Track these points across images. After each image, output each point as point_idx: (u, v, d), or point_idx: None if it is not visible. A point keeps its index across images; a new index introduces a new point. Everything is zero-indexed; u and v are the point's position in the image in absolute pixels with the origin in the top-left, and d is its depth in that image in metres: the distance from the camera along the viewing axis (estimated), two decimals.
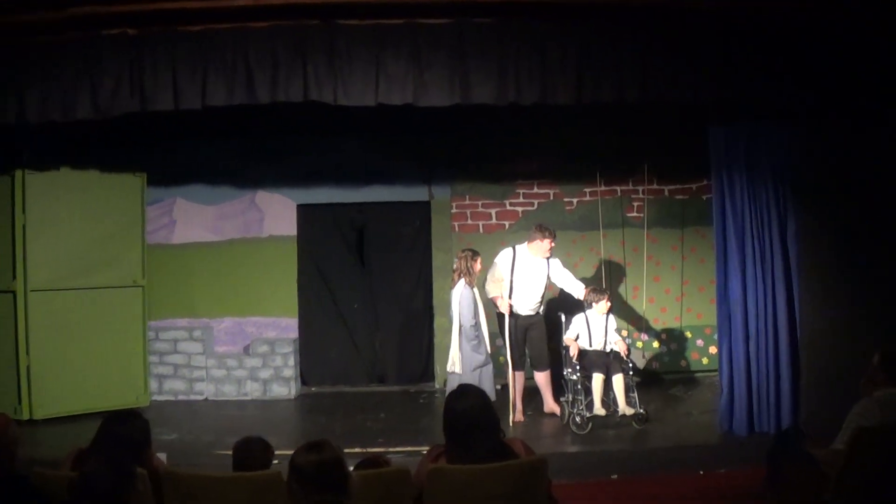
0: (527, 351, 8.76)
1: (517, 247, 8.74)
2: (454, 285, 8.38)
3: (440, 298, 10.39)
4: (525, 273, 8.64)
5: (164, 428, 8.58)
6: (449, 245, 10.57)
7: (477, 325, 8.28)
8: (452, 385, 7.73)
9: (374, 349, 10.79)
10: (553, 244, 8.68)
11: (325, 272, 10.74)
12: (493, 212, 10.73)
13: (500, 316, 8.69)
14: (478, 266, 8.41)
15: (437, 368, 10.47)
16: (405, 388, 10.51)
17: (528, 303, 8.66)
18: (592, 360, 8.51)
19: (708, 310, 10.21)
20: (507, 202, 10.71)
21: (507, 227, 10.68)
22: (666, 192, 10.72)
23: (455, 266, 8.50)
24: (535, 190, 10.73)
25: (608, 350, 8.61)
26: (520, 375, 8.74)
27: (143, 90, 7.10)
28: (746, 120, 7.82)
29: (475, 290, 8.40)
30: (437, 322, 10.52)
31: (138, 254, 9.52)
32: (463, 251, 8.58)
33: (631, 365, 8.48)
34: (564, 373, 8.55)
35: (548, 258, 8.70)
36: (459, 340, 8.22)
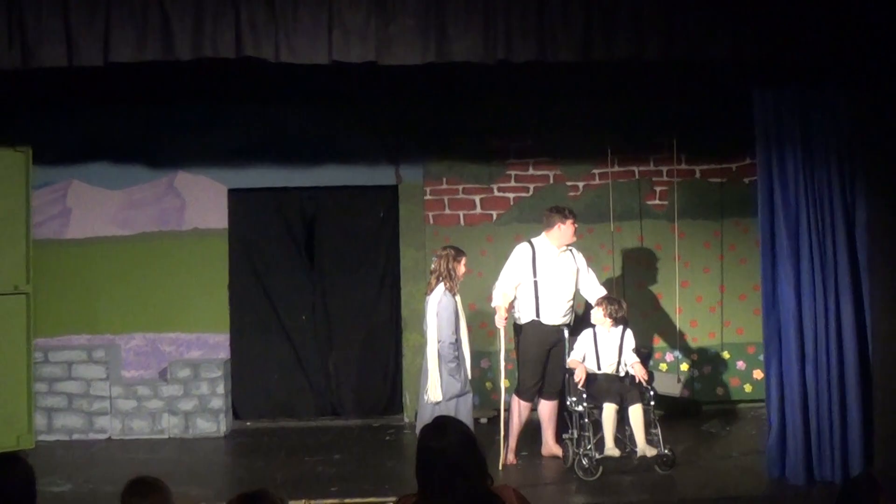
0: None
1: (534, 240, 8.85)
2: (431, 291, 8.42)
3: (411, 308, 10.42)
4: (551, 271, 8.76)
5: (55, 476, 8.52)
6: (421, 240, 10.60)
7: (457, 343, 8.34)
8: (425, 418, 7.79)
9: (326, 373, 10.81)
10: (575, 225, 8.78)
11: (265, 275, 10.78)
12: (477, 199, 10.73)
13: (518, 328, 8.81)
14: (461, 268, 8.46)
15: (407, 397, 10.55)
16: (366, 422, 10.56)
17: (559, 309, 8.79)
18: (603, 387, 8.53)
19: (751, 323, 10.25)
20: (494, 187, 10.73)
21: (494, 218, 10.69)
22: (697, 174, 10.74)
23: (433, 267, 8.53)
24: (531, 171, 10.74)
25: (622, 374, 8.66)
26: (526, 407, 8.86)
27: (25, 41, 7.00)
28: (802, 82, 7.83)
29: (457, 297, 8.44)
30: (407, 338, 10.55)
31: (21, 251, 9.30)
32: (443, 249, 8.61)
33: (652, 393, 8.51)
34: (568, 403, 8.60)
35: (571, 249, 8.85)
36: (438, 362, 8.29)
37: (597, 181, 10.69)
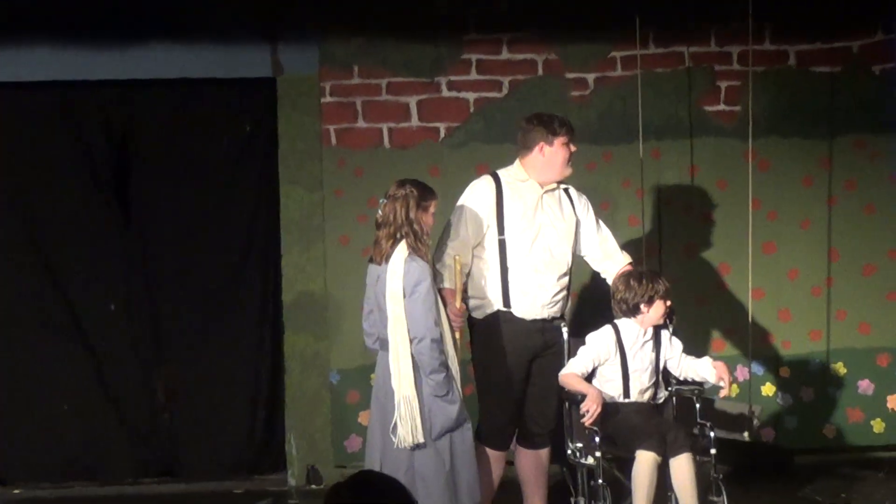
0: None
1: (502, 174, 8.91)
2: (383, 258, 8.45)
3: (299, 292, 10.66)
4: (530, 225, 8.83)
5: None
6: (317, 174, 10.72)
7: (440, 340, 8.37)
8: (399, 475, 7.96)
9: (153, 404, 10.90)
10: (573, 147, 8.76)
11: (45, 236, 10.84)
12: (412, 102, 10.78)
13: (476, 326, 8.93)
14: (430, 218, 8.49)
15: (293, 443, 10.70)
16: (223, 487, 10.73)
17: (544, 290, 8.84)
18: (631, 425, 8.59)
19: (885, 316, 10.63)
20: (443, 81, 10.80)
21: (442, 134, 10.79)
22: (791, 59, 10.84)
23: (381, 217, 8.51)
24: (505, 55, 10.81)
25: (660, 400, 8.80)
26: (496, 460, 8.96)
27: None
28: None
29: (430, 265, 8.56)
30: (293, 343, 10.70)
31: None
32: (399, 186, 8.48)
33: (712, 435, 8.56)
34: (569, 453, 8.75)
35: (565, 188, 8.91)
36: (415, 376, 8.32)
37: (618, 72, 10.79)
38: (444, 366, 8.30)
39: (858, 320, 10.69)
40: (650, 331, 8.66)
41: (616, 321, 8.66)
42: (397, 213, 8.37)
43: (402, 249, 8.29)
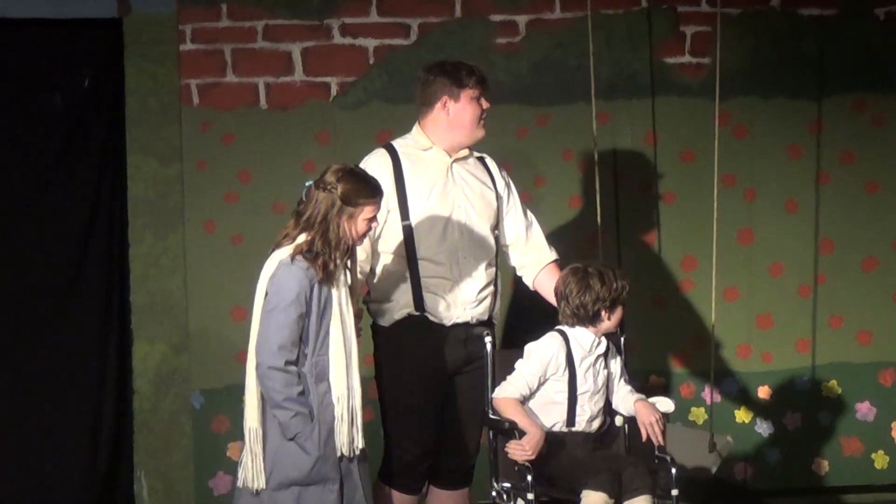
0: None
1: (397, 144, 8.94)
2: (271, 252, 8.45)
3: (150, 290, 10.62)
4: (436, 200, 8.86)
5: None
6: (173, 140, 10.70)
7: (310, 370, 8.14)
8: None
9: None
10: (485, 104, 8.76)
11: None
12: (296, 51, 10.87)
13: (380, 335, 8.94)
14: (359, 225, 8.18)
15: (144, 480, 10.70)
16: None
17: (465, 287, 8.87)
18: (575, 460, 8.47)
19: (889, 321, 10.78)
20: (334, 24, 10.89)
21: (333, 92, 10.89)
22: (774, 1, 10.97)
23: (300, 202, 8.27)
24: None
25: (603, 427, 8.72)
26: None
27: None
28: None
29: (340, 279, 8.22)
30: (144, 354, 10.64)
31: None
32: (335, 172, 8.18)
33: (674, 472, 8.43)
34: (493, 493, 8.75)
35: (480, 156, 8.95)
36: (261, 404, 8.16)
37: (557, 13, 10.90)
38: (295, 402, 8.06)
39: (857, 328, 10.84)
40: (603, 342, 8.54)
41: (563, 328, 8.49)
42: (315, 204, 8.13)
43: (286, 250, 8.11)
